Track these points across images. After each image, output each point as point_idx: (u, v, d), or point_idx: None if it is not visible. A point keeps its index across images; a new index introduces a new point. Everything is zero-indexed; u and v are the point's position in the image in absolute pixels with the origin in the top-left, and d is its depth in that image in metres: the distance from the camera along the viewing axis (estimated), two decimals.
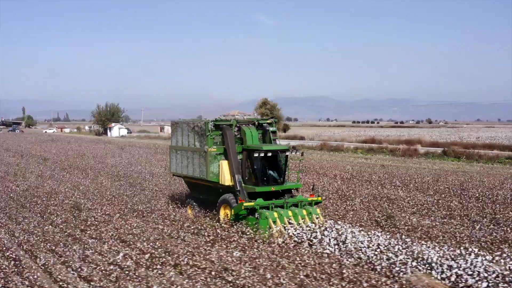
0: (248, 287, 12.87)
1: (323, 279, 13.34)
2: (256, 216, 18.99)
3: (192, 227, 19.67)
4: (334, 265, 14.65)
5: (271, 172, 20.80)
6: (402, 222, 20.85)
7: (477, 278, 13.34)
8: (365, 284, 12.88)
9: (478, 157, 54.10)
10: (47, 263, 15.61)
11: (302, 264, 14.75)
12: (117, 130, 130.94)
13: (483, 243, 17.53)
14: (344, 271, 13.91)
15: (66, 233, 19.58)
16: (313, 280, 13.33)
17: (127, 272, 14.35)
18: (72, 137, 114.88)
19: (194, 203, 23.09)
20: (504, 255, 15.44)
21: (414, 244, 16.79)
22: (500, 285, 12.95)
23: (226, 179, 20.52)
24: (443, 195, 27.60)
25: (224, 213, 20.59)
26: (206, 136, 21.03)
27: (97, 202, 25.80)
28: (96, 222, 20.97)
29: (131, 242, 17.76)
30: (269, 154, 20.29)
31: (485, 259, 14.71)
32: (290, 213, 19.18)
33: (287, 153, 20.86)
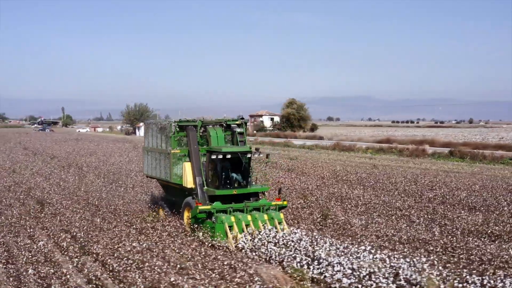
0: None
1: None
2: (212, 220, 18.41)
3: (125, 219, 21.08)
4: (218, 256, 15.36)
5: (234, 175, 20.09)
6: (334, 221, 21.26)
7: (339, 273, 13.90)
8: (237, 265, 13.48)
9: (482, 158, 53.44)
10: None
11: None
12: None
13: (387, 242, 17.99)
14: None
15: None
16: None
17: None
18: (100, 136, 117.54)
19: (165, 205, 22.73)
20: (393, 253, 15.85)
21: (322, 240, 17.24)
22: (363, 282, 13.35)
23: (188, 181, 20.14)
24: (401, 196, 27.73)
25: (187, 215, 20.07)
26: (170, 137, 20.77)
27: (65, 198, 27.01)
28: (43, 215, 22.29)
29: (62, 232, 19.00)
30: (228, 156, 19.52)
31: (375, 257, 15.22)
32: (249, 217, 18.44)
33: (249, 155, 20.05)
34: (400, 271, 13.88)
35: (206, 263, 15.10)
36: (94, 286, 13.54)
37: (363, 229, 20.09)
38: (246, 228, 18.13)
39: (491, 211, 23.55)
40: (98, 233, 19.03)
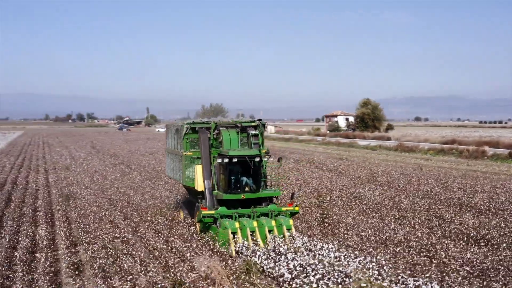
0: None
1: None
2: (217, 226, 18.02)
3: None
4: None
5: (245, 178, 19.33)
6: (331, 220, 21.76)
7: (283, 268, 14.52)
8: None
9: None
10: None
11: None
12: None
13: (365, 242, 18.36)
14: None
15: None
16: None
17: None
18: None
19: (185, 207, 22.57)
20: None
21: (299, 238, 17.84)
22: (301, 275, 13.81)
23: (199, 184, 19.50)
24: (414, 197, 27.62)
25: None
26: (182, 139, 20.45)
27: (93, 194, 28.77)
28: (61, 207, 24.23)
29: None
30: (234, 160, 18.77)
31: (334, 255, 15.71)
32: (255, 223, 17.69)
33: (257, 159, 19.05)
34: (345, 268, 14.26)
35: (163, 256, 16.17)
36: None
37: (349, 229, 20.29)
38: (252, 235, 17.35)
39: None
40: (97, 225, 20.62)
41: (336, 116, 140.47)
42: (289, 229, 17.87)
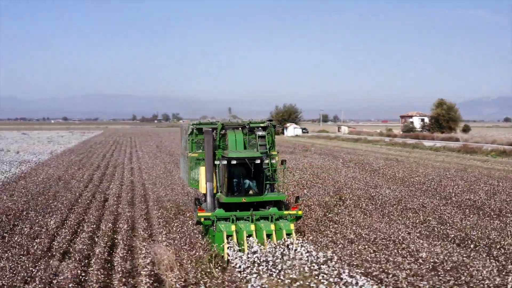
0: None
1: None
2: (213, 228, 17.58)
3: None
4: None
5: (247, 181, 18.61)
6: (336, 218, 22.33)
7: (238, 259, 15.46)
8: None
9: None
10: None
11: None
12: (292, 130, 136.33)
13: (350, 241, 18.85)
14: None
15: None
16: None
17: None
18: None
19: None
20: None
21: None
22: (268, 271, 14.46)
23: (203, 186, 19.00)
24: (431, 197, 27.59)
25: None
26: (188, 140, 20.17)
27: (125, 190, 30.59)
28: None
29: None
30: (233, 162, 18.11)
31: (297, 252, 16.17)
32: (252, 227, 17.18)
33: (258, 161, 18.15)
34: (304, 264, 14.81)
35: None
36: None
37: (339, 227, 20.73)
38: (248, 239, 16.85)
39: None
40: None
41: (411, 116, 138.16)
42: (289, 234, 17.18)
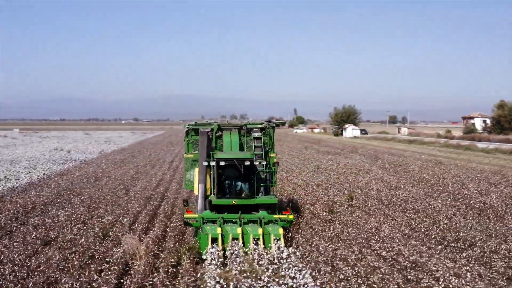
0: None
1: None
2: (200, 230, 17.33)
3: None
4: None
5: (240, 183, 18.62)
6: (329, 216, 22.93)
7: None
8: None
9: None
10: None
11: None
12: (350, 131, 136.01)
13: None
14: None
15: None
16: None
17: None
18: (307, 137, 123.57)
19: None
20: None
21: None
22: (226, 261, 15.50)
23: (195, 188, 19.00)
24: (445, 199, 27.65)
25: None
26: (184, 141, 20.31)
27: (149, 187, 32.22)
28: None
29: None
30: (222, 163, 17.97)
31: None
32: (239, 230, 16.91)
33: (247, 163, 17.93)
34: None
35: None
36: None
37: (327, 225, 21.39)
38: (232, 242, 16.70)
39: None
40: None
41: (473, 118, 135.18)
42: (277, 239, 16.85)
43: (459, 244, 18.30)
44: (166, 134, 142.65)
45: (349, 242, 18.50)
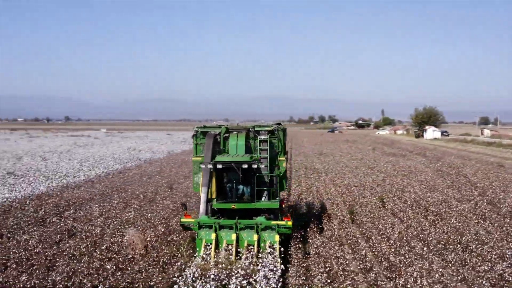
0: None
1: None
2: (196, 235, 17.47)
3: None
4: None
5: (241, 187, 18.32)
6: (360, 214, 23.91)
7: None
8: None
9: None
10: None
11: None
12: (430, 133, 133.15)
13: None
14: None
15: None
16: None
17: None
18: (383, 139, 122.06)
19: None
20: None
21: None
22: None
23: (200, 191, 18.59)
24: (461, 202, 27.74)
25: None
26: (193, 143, 20.02)
27: None
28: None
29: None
30: (219, 166, 17.58)
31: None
32: (233, 236, 16.83)
33: (245, 166, 17.38)
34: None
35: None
36: None
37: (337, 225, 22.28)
38: (227, 247, 16.80)
39: None
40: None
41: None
42: (272, 246, 16.63)
43: (446, 246, 18.82)
44: None
45: (340, 242, 19.41)
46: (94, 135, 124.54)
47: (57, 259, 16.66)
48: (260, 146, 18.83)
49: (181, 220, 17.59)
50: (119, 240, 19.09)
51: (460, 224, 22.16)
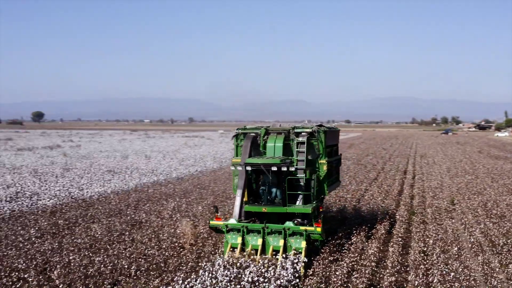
0: None
1: None
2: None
3: None
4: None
5: (274, 190, 18.16)
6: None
7: None
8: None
9: None
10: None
11: None
12: None
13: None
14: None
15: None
16: None
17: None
18: (498, 141, 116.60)
19: None
20: None
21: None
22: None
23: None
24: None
25: None
26: (233, 144, 19.96)
27: None
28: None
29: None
30: (248, 168, 17.70)
31: None
32: (259, 241, 16.72)
33: (274, 168, 17.21)
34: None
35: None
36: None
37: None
38: (252, 251, 16.73)
39: None
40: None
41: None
42: (298, 253, 16.29)
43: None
44: (364, 137, 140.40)
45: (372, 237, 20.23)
46: (208, 136, 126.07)
47: (113, 245, 18.95)
48: (298, 148, 18.48)
49: (211, 222, 17.58)
50: (173, 230, 21.09)
51: None
